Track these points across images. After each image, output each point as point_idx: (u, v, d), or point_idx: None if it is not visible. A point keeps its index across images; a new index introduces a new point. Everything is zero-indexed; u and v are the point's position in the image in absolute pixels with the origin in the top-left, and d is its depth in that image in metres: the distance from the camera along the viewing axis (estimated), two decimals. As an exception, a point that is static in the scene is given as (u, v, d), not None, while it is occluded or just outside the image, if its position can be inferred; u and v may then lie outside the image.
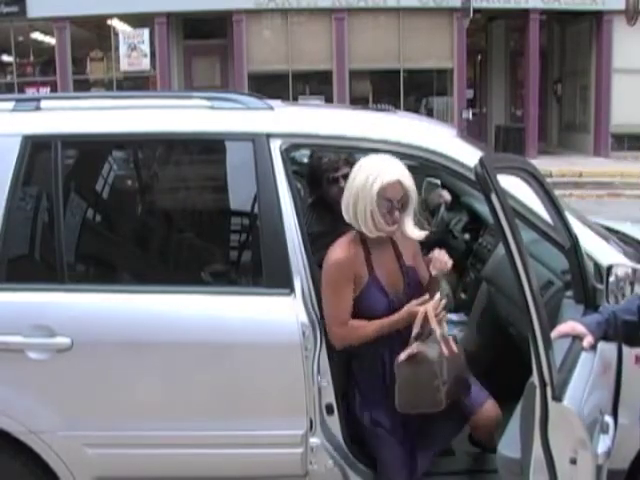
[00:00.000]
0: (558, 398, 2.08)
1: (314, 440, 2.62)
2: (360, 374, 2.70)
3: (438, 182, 4.33)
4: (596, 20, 16.87)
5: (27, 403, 2.60)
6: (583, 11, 16.73)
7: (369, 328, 2.60)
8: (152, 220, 3.04)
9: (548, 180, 2.58)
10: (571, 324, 2.30)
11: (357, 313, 2.62)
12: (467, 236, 4.41)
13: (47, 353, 2.57)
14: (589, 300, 2.60)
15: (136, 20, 16.67)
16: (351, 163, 3.32)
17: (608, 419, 2.19)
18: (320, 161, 3.34)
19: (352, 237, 2.67)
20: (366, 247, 2.64)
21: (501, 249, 3.24)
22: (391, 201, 2.54)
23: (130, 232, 2.98)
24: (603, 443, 2.14)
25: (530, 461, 2.18)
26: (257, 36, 16.85)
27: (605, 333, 2.27)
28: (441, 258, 2.61)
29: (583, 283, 2.60)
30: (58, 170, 2.66)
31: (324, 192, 3.38)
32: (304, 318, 2.57)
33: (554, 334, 2.25)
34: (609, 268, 2.52)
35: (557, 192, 2.62)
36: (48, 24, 16.87)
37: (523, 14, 16.71)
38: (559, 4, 16.57)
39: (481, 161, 2.03)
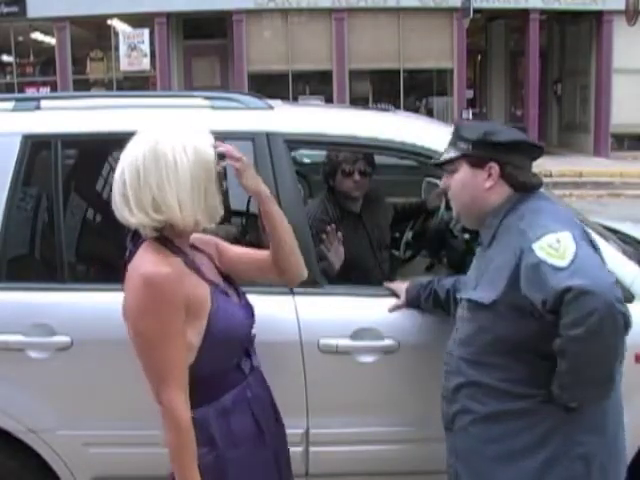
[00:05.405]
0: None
1: None
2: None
3: (438, 182, 4.33)
4: (596, 20, 16.89)
5: (27, 402, 2.61)
6: (583, 11, 16.75)
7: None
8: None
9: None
10: (403, 285, 2.61)
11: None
12: (467, 236, 4.40)
13: (47, 352, 2.57)
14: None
15: (136, 20, 16.69)
16: (370, 160, 3.31)
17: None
18: (339, 152, 3.29)
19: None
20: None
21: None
22: None
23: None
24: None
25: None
26: (257, 36, 16.87)
27: (419, 297, 2.54)
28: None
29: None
30: (58, 170, 2.66)
31: (337, 184, 3.35)
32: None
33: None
34: None
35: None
36: (48, 24, 16.91)
37: (523, 14, 16.74)
38: (559, 4, 16.59)
39: None
